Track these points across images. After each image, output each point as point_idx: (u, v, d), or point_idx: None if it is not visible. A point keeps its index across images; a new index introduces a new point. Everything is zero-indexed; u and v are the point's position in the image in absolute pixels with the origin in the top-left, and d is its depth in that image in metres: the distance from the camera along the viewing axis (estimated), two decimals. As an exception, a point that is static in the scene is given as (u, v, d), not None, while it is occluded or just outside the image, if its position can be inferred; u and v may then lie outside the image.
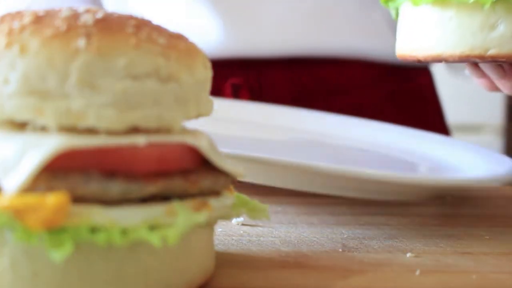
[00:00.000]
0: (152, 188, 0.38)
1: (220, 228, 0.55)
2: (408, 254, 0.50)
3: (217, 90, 0.88)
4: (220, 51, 0.89)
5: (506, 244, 0.54)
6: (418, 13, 0.58)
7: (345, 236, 0.55)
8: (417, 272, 0.46)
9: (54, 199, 0.35)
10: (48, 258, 0.36)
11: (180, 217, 0.38)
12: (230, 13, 0.89)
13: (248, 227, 0.57)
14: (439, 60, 0.57)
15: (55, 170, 0.37)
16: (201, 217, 0.39)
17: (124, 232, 0.37)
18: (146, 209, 0.38)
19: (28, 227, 0.35)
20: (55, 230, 0.36)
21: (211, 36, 0.89)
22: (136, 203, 0.38)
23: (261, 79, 0.92)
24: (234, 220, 0.58)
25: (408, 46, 0.59)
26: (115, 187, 0.37)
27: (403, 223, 0.60)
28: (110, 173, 0.37)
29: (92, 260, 0.37)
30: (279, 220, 0.59)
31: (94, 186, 0.37)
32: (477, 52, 0.54)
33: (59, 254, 0.35)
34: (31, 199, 0.35)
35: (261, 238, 0.54)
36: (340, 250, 0.51)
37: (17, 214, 0.35)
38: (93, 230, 0.36)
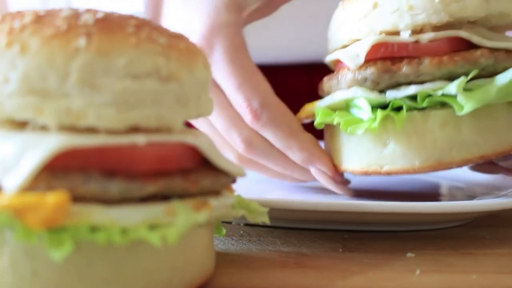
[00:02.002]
0: (152, 187, 0.38)
1: (220, 228, 0.55)
2: (408, 254, 0.50)
3: None
4: None
5: (506, 244, 0.54)
6: (333, 132, 0.62)
7: (345, 236, 0.55)
8: (417, 272, 0.46)
9: (54, 199, 0.35)
10: (48, 258, 0.36)
11: (180, 216, 0.38)
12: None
13: (248, 227, 0.57)
14: (350, 172, 0.61)
15: (55, 170, 0.37)
16: (201, 216, 0.39)
17: (124, 231, 0.37)
18: (146, 208, 0.38)
19: (28, 226, 0.35)
20: (55, 229, 0.36)
21: None
22: (136, 202, 0.38)
23: (278, 83, 0.93)
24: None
25: (333, 159, 0.63)
26: (115, 187, 0.37)
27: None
28: (110, 173, 0.37)
29: (91, 260, 0.37)
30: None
31: (94, 186, 0.37)
32: (373, 168, 0.58)
33: (59, 254, 0.35)
34: (31, 198, 0.35)
35: (261, 238, 0.54)
36: (340, 250, 0.51)
37: (17, 213, 0.35)
38: (93, 229, 0.36)
